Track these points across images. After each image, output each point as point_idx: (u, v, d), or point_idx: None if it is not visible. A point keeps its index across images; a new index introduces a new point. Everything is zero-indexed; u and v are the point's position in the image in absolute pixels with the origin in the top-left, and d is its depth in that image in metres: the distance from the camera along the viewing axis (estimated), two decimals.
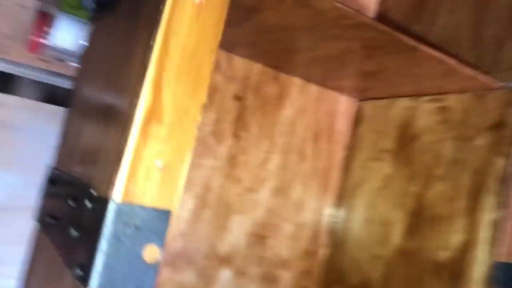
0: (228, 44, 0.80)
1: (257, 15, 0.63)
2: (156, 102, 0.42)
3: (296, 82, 0.90)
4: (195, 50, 0.44)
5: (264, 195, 0.88)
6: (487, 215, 0.68)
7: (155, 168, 0.42)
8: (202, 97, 0.44)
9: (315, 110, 0.93)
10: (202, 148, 0.81)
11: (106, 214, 0.41)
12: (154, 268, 0.42)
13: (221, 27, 0.45)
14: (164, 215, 0.43)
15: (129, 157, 0.41)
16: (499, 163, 0.68)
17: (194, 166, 0.81)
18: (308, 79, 0.91)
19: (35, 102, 0.81)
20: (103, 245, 0.41)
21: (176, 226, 0.80)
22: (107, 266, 0.40)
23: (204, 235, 0.82)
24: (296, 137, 0.91)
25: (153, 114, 0.42)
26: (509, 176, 0.67)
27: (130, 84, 0.45)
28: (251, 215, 0.87)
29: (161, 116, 0.42)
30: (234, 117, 0.84)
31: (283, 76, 0.89)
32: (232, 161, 0.84)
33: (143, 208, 0.42)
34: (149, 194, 0.42)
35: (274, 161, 0.89)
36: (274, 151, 0.89)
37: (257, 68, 0.86)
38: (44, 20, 0.75)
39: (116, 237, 0.41)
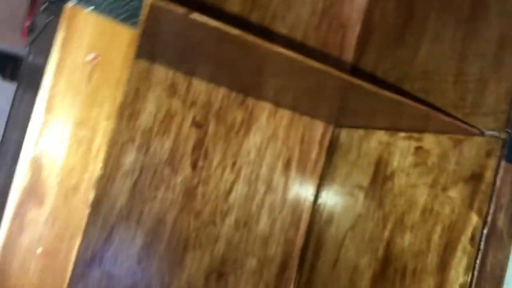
0: (187, 66, 0.73)
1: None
2: (34, 180, 0.35)
3: (265, 107, 0.83)
4: (86, 118, 0.37)
5: (225, 229, 0.81)
6: (460, 278, 0.61)
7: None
8: (96, 170, 0.38)
9: (286, 137, 0.85)
10: (155, 179, 0.75)
11: None
12: None
13: (121, 87, 0.38)
14: None
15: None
16: (474, 220, 0.61)
17: (146, 199, 0.74)
18: (279, 104, 0.83)
19: None
20: None
21: (125, 263, 0.74)
22: None
23: (156, 272, 0.76)
24: (265, 166, 0.84)
25: (31, 194, 0.35)
26: (484, 237, 0.59)
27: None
28: (210, 250, 0.80)
29: (41, 197, 0.36)
30: (193, 145, 0.78)
31: (251, 101, 0.82)
32: (190, 192, 0.78)
33: None
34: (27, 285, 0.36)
35: (238, 192, 0.82)
36: (239, 181, 0.82)
37: (221, 92, 0.79)
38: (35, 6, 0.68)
39: None
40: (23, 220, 0.35)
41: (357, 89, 0.56)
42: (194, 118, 0.77)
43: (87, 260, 0.70)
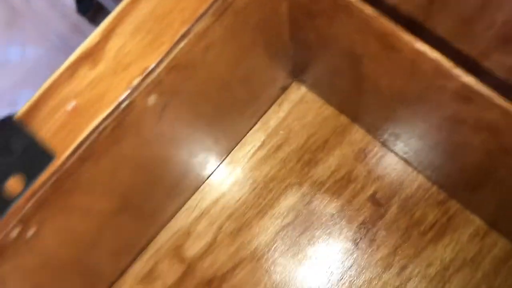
0: (389, 135, 0.66)
1: (360, 66, 0.51)
2: (98, 46, 0.40)
3: (472, 221, 0.64)
4: (163, 15, 0.40)
5: None
6: None
7: (64, 109, 0.39)
8: (151, 61, 0.39)
9: (493, 271, 0.62)
10: (303, 235, 0.67)
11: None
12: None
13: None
14: (47, 156, 0.38)
15: (46, 85, 0.40)
16: None
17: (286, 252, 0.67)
18: (495, 225, 0.63)
19: None
20: None
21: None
22: None
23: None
24: None
25: (88, 56, 0.40)
26: None
27: None
28: None
29: (96, 62, 0.40)
30: (361, 222, 0.66)
31: (455, 206, 0.65)
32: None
33: (30, 136, 0.39)
34: (46, 129, 0.39)
35: None
36: None
37: (419, 180, 0.66)
38: None
39: None
40: (73, 73, 0.39)
41: None
42: (375, 193, 0.67)
43: (207, 279, 0.67)
